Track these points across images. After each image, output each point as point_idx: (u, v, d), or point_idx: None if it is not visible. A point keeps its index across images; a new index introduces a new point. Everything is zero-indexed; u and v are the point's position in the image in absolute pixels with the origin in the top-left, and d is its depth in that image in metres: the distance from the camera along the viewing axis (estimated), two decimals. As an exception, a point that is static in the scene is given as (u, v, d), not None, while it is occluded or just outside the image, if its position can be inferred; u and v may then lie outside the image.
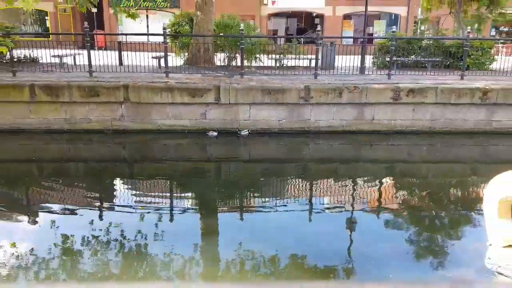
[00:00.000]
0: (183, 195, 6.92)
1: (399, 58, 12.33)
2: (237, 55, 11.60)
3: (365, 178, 7.71)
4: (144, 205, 6.14)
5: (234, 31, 12.22)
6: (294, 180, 7.51)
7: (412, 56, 12.85)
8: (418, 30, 20.90)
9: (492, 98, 9.64)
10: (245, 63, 11.04)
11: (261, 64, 12.47)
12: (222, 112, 9.53)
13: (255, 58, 12.27)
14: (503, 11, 15.41)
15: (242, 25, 11.36)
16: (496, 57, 13.65)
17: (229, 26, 12.72)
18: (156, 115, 9.51)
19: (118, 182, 7.41)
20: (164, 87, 9.32)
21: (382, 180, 7.77)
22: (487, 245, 3.30)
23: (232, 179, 7.61)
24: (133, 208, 6.00)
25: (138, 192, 6.84)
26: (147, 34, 16.35)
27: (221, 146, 9.32)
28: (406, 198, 6.80)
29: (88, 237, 4.94)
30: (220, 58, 12.88)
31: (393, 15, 28.67)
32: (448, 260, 4.59)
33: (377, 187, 7.40)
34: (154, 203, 6.29)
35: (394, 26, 26.11)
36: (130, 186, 7.18)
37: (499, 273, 3.18)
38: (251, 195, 6.75)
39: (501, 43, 21.57)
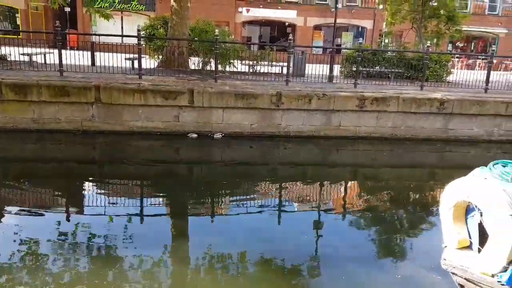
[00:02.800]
0: (153, 197, 6.91)
1: (365, 69, 12.96)
2: (212, 59, 11.80)
3: (331, 181, 8.12)
4: (113, 208, 6.07)
5: (209, 36, 12.44)
6: (264, 183, 7.78)
7: (376, 67, 13.53)
8: (383, 43, 21.91)
9: (449, 108, 10.37)
10: (219, 67, 11.28)
11: (235, 69, 12.75)
12: (196, 115, 9.71)
13: (229, 63, 12.54)
14: (459, 28, 16.48)
15: (217, 30, 11.60)
16: (452, 70, 14.62)
17: (204, 31, 12.93)
18: (128, 116, 9.53)
19: (86, 184, 7.27)
20: (137, 88, 9.38)
21: (347, 183, 8.21)
22: (442, 247, 3.57)
23: (203, 181, 7.71)
24: (102, 211, 5.93)
25: (107, 195, 6.72)
26: (121, 36, 16.22)
27: (194, 148, 9.48)
28: (369, 201, 7.23)
29: (53, 241, 4.78)
30: (194, 62, 13.03)
31: (360, 28, 29.88)
32: (406, 260, 4.97)
33: (342, 190, 7.82)
34: (124, 206, 6.26)
35: (361, 38, 27.20)
36: (99, 189, 7.06)
37: (453, 273, 3.41)
38: (222, 197, 6.91)
39: (457, 57, 23.00)
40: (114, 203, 6.36)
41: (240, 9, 28.22)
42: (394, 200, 7.22)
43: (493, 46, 30.60)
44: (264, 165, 8.76)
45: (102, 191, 6.93)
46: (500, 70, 22.99)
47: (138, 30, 10.25)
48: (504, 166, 3.12)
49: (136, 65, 11.16)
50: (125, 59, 11.74)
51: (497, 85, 12.02)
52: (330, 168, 9.08)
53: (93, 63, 12.38)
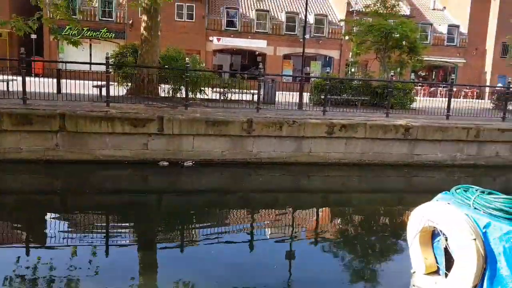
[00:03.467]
0: (120, 229, 6.64)
1: (333, 96, 13.31)
2: (182, 87, 11.81)
3: (303, 208, 8.12)
4: (77, 240, 5.80)
5: (179, 64, 12.49)
6: (235, 211, 7.68)
7: (344, 95, 13.94)
8: (349, 72, 22.71)
9: (413, 134, 10.74)
10: (190, 95, 11.29)
11: (206, 97, 12.78)
12: (165, 143, 9.57)
13: (200, 90, 12.59)
14: (420, 58, 17.37)
15: (187, 58, 11.67)
16: (415, 97, 15.26)
17: (175, 59, 12.99)
18: (94, 145, 9.26)
19: (48, 216, 6.92)
20: (104, 116, 9.19)
21: (318, 210, 8.23)
22: (411, 272, 3.57)
23: (173, 211, 7.51)
24: (65, 243, 5.67)
25: (70, 227, 6.41)
26: (90, 63, 16.03)
27: (164, 177, 9.28)
28: (340, 227, 7.27)
29: (12, 277, 4.53)
30: (164, 90, 12.99)
31: (328, 57, 30.94)
32: (376, 286, 4.95)
33: (314, 216, 7.82)
34: (88, 238, 5.96)
35: (328, 68, 28.12)
36: (62, 220, 6.73)
37: None
38: (192, 227, 6.72)
39: (419, 85, 24.10)
40: (78, 236, 6.06)
41: (211, 38, 28.69)
42: (364, 225, 7.28)
43: (453, 75, 32.37)
44: (236, 193, 8.68)
45: (66, 223, 6.61)
46: (460, 98, 24.19)
47: (107, 58, 10.16)
48: (465, 191, 3.22)
49: (104, 92, 10.99)
50: (93, 86, 11.55)
51: (457, 112, 12.60)
52: (301, 194, 9.10)
53: (58, 91, 12.09)
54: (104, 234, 6.25)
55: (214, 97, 12.70)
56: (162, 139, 9.52)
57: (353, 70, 21.64)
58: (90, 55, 27.17)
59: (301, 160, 10.29)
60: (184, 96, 10.94)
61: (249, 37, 29.18)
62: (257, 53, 30.31)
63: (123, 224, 6.84)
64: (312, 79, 18.25)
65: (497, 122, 12.00)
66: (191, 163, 9.56)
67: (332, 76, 15.92)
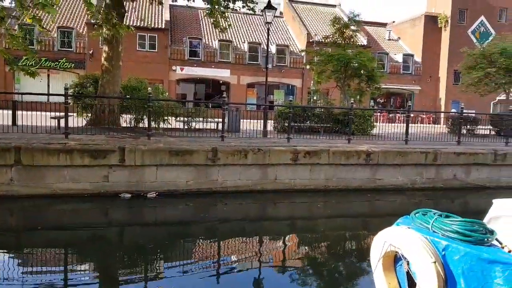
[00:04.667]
0: (78, 266, 6.29)
1: (296, 124, 13.56)
2: (145, 117, 11.64)
3: (270, 236, 8.05)
4: (31, 282, 5.42)
5: (141, 94, 12.36)
6: (201, 242, 7.49)
7: (307, 122, 14.23)
8: (312, 99, 23.32)
9: (375, 159, 11.04)
10: (153, 125, 11.12)
11: (170, 126, 12.64)
12: (127, 174, 9.30)
13: (163, 120, 12.45)
14: (378, 86, 18.14)
15: (150, 88, 11.58)
16: (375, 124, 15.82)
17: (137, 88, 12.85)
18: (51, 178, 8.84)
19: (1, 256, 6.43)
20: (62, 148, 8.84)
21: (285, 237, 8.17)
22: None
23: (135, 245, 7.21)
24: (19, 284, 5.31)
25: (24, 266, 6.02)
26: (47, 94, 15.53)
27: (125, 209, 8.95)
28: (306, 253, 7.22)
29: None
30: (126, 120, 12.74)
31: (290, 86, 31.74)
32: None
33: (280, 243, 7.75)
34: (43, 277, 5.61)
35: (291, 96, 28.81)
36: (15, 259, 6.32)
37: None
38: (155, 261, 6.45)
39: (379, 112, 25.08)
40: (32, 276, 5.65)
41: (174, 68, 28.76)
42: (330, 251, 7.28)
43: (410, 101, 33.96)
44: (201, 223, 8.47)
45: (19, 262, 6.18)
46: (417, 123, 25.34)
47: (66, 88, 9.90)
48: (424, 215, 3.29)
49: (62, 124, 10.62)
50: (51, 118, 11.16)
51: (416, 136, 13.13)
52: (268, 222, 9.03)
53: (14, 123, 11.58)
54: (62, 273, 5.88)
55: (178, 127, 12.59)
56: (124, 170, 9.25)
57: (315, 98, 22.25)
58: (48, 86, 26.43)
59: (267, 187, 10.28)
60: (146, 126, 10.76)
61: (213, 66, 29.54)
62: (221, 82, 30.65)
63: (82, 262, 6.46)
64: (276, 107, 18.58)
65: (452, 146, 12.60)
66: (154, 195, 9.30)
67: (295, 104, 16.27)
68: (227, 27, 13.99)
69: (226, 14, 13.77)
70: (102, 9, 12.17)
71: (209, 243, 7.45)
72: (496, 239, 3.03)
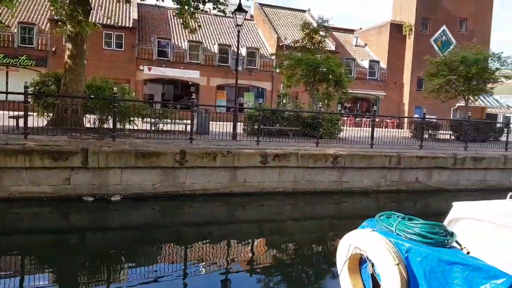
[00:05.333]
0: (35, 273, 6.00)
1: (266, 127, 13.59)
2: (110, 117, 11.29)
3: (238, 239, 7.99)
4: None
5: (107, 93, 11.99)
6: (168, 247, 7.33)
7: (276, 125, 14.31)
8: (281, 103, 23.51)
9: (341, 162, 11.24)
10: (118, 126, 10.82)
11: (136, 128, 12.34)
12: (90, 177, 8.98)
13: (130, 121, 12.13)
14: (345, 90, 18.53)
15: (115, 88, 11.26)
16: (342, 128, 16.12)
17: (102, 88, 12.46)
18: (8, 181, 8.41)
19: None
20: (20, 149, 8.43)
21: (253, 240, 8.15)
22: None
23: (98, 250, 6.98)
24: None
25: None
26: (6, 92, 14.75)
27: (88, 213, 8.63)
28: (273, 256, 7.24)
29: None
30: (90, 120, 12.32)
31: (260, 89, 31.83)
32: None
33: (248, 247, 7.72)
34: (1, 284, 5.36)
35: (261, 99, 28.87)
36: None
37: None
38: (119, 267, 6.26)
39: (346, 116, 25.62)
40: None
41: (141, 67, 28.15)
42: (297, 254, 7.32)
43: (375, 106, 34.91)
44: (168, 227, 8.31)
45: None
46: (382, 128, 26.07)
47: (25, 86, 9.45)
48: (388, 218, 3.35)
49: (21, 123, 10.12)
50: (9, 117, 10.62)
51: (380, 140, 13.49)
52: (236, 225, 8.97)
53: (-32, 122, 10.92)
54: (18, 281, 5.57)
55: (145, 128, 12.30)
56: (87, 173, 8.93)
57: (284, 101, 22.45)
58: (7, 83, 25.18)
59: (236, 190, 10.23)
60: (111, 127, 10.45)
61: (182, 67, 29.13)
62: (190, 83, 30.28)
63: (39, 269, 6.16)
64: (246, 109, 18.58)
65: (415, 150, 13.03)
66: (119, 198, 9.03)
67: (265, 107, 16.32)
68: (197, 28, 13.84)
69: (196, 15, 13.63)
70: (67, 5, 11.73)
71: (174, 248, 7.31)
72: (456, 241, 3.13)
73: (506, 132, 15.99)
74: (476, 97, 23.34)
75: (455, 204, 3.89)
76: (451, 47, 32.44)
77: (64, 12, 11.79)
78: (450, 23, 35.14)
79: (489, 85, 23.97)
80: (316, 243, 8.16)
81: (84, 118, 12.30)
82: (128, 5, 23.95)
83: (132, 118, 12.12)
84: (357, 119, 27.47)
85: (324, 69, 16.86)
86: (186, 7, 12.81)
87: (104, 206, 8.79)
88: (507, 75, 22.10)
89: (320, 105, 13.48)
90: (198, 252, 7.16)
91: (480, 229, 3.59)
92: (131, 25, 27.82)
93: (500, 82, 23.32)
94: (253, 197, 10.28)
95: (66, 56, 12.28)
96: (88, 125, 12.30)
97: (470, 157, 12.89)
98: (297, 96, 21.40)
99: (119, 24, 27.26)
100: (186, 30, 13.86)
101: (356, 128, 18.25)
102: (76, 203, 8.66)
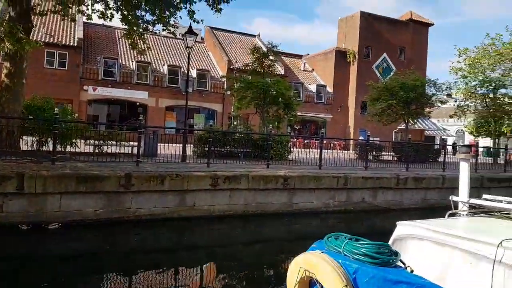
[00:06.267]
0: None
1: (217, 148, 13.49)
2: (50, 139, 10.62)
3: (186, 265, 7.70)
4: None
5: (47, 114, 11.32)
6: (108, 276, 6.86)
7: (227, 147, 14.26)
8: (232, 124, 23.59)
9: (291, 183, 11.35)
10: (59, 148, 10.20)
11: (78, 150, 11.71)
12: (26, 203, 8.31)
13: (71, 143, 11.49)
14: (294, 113, 19.01)
15: (57, 108, 10.67)
16: (292, 149, 16.41)
17: (42, 109, 11.75)
18: None
19: None
20: None
21: (202, 266, 7.88)
22: None
23: (31, 282, 6.40)
24: None
25: None
26: None
27: (23, 243, 7.93)
28: (223, 282, 7.03)
29: None
30: (28, 142, 11.50)
31: (211, 110, 31.80)
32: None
33: (196, 273, 7.46)
34: None
35: (212, 120, 28.79)
36: None
37: None
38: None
39: (295, 138, 26.18)
40: None
41: (85, 87, 27.10)
42: (248, 279, 7.17)
43: (323, 129, 36.09)
44: (110, 256, 7.82)
45: None
46: (329, 149, 26.92)
47: (-47, 106, 8.67)
48: (336, 239, 3.36)
49: None
50: None
51: (328, 162, 13.85)
52: (185, 251, 8.66)
53: None
54: None
55: (88, 150, 11.71)
56: (22, 199, 8.26)
57: (235, 123, 22.55)
58: None
59: (185, 214, 9.93)
60: (51, 149, 9.82)
61: (129, 87, 28.43)
62: (138, 104, 29.53)
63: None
64: (196, 131, 18.40)
65: (361, 171, 13.50)
66: (57, 226, 8.41)
67: (215, 129, 16.26)
68: (146, 50, 13.63)
69: (145, 36, 13.43)
70: (6, 21, 11.06)
71: (117, 278, 6.87)
72: (400, 260, 3.20)
73: (443, 153, 17.11)
74: (415, 121, 24.92)
75: (399, 224, 4.00)
76: (392, 73, 34.60)
77: (2, 29, 11.10)
78: (390, 51, 37.61)
79: (427, 109, 25.79)
80: (267, 266, 8.05)
81: (20, 140, 11.47)
82: (73, 23, 23.17)
83: (74, 140, 11.50)
84: (306, 141, 28.14)
85: (274, 92, 17.22)
86: (135, 28, 12.60)
87: (41, 235, 8.13)
88: (442, 100, 23.91)
89: (270, 127, 13.66)
90: (143, 281, 6.78)
91: (422, 247, 3.71)
92: (75, 44, 26.86)
93: (437, 107, 25.17)
94: (203, 221, 10.03)
95: (3, 75, 11.51)
96: (25, 147, 11.48)
97: (412, 177, 13.59)
98: (248, 118, 21.55)
99: (63, 42, 26.24)
100: (135, 51, 13.59)
101: (305, 150, 18.64)
102: (9, 232, 7.93)
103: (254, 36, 39.72)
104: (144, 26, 12.84)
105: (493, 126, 25.20)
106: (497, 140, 27.13)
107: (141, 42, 13.40)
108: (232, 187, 10.52)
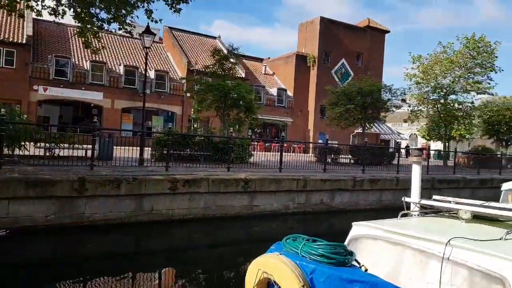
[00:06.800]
0: None
1: (176, 152, 13.25)
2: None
3: (144, 270, 7.48)
4: None
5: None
6: (61, 286, 6.54)
7: (187, 150, 14.05)
8: (192, 127, 23.30)
9: (252, 186, 11.37)
10: (6, 151, 9.61)
11: (28, 153, 11.08)
12: (-32, 210, 7.76)
13: (20, 146, 10.86)
14: (255, 116, 19.10)
15: (3, 109, 10.04)
16: (253, 152, 16.46)
17: (-14, 109, 11.02)
18: None
19: None
20: None
21: (160, 271, 7.70)
22: None
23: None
24: None
25: None
26: None
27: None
28: (183, 286, 6.91)
29: None
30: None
31: (170, 112, 31.24)
32: None
33: (156, 278, 7.27)
34: None
35: (171, 123, 28.32)
36: None
37: None
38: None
39: (256, 141, 26.31)
40: None
41: (35, 87, 25.76)
42: (207, 282, 7.09)
43: (283, 132, 36.54)
44: (61, 263, 7.44)
45: None
46: (290, 152, 27.28)
47: None
48: (294, 240, 3.39)
49: None
50: None
51: (288, 165, 14.01)
52: (142, 256, 8.41)
53: None
54: None
55: (38, 154, 11.11)
56: (-37, 205, 7.69)
57: (195, 125, 22.30)
58: None
59: (143, 219, 9.67)
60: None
61: (83, 88, 27.32)
62: (92, 105, 28.43)
63: None
64: (154, 134, 17.98)
65: (320, 173, 13.77)
66: (4, 233, 7.90)
67: (174, 132, 15.98)
68: (100, 49, 13.14)
69: (99, 34, 12.95)
70: None
71: (68, 286, 6.54)
72: (355, 260, 3.27)
73: (397, 156, 17.83)
74: (371, 125, 25.83)
75: (354, 224, 4.10)
76: (350, 78, 35.71)
77: None
78: (348, 56, 38.78)
79: (382, 114, 26.84)
80: (226, 270, 7.99)
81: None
82: (21, 19, 22.00)
83: (23, 143, 10.87)
84: (266, 144, 28.37)
85: (235, 95, 17.21)
86: (89, 26, 12.12)
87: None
88: (397, 105, 24.97)
89: (231, 130, 13.61)
90: (97, 289, 6.51)
91: (376, 247, 3.82)
92: (24, 41, 25.45)
93: (392, 111, 26.25)
94: (162, 225, 9.81)
95: None
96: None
97: (368, 179, 14.04)
98: (209, 120, 21.38)
99: (10, 39, 24.82)
100: (89, 50, 13.08)
101: (266, 153, 18.80)
102: None
103: (214, 37, 39.56)
104: (99, 24, 12.37)
105: (443, 130, 26.61)
106: (447, 143, 28.72)
107: (96, 40, 12.92)
108: (192, 190, 10.38)
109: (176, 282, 7.19)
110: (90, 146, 10.62)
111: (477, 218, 4.05)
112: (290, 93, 37.67)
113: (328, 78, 36.41)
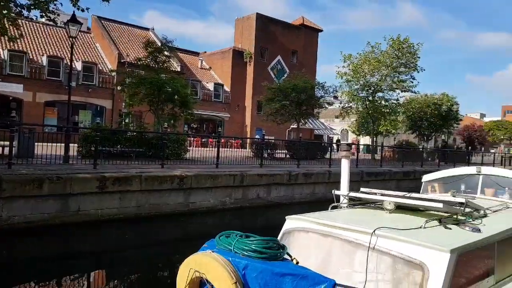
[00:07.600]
0: None
1: (105, 148, 12.56)
2: None
3: (71, 274, 7.01)
4: None
5: None
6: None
7: (118, 146, 13.37)
8: (123, 122, 22.27)
9: (188, 183, 11.13)
10: None
11: None
12: None
13: None
14: (191, 111, 18.72)
15: None
16: (189, 148, 16.14)
17: None
18: None
19: None
20: None
21: (90, 274, 7.27)
22: None
23: None
24: None
25: None
26: None
27: None
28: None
29: None
30: None
31: (99, 107, 29.54)
32: None
33: (84, 282, 6.84)
34: None
35: (99, 118, 26.81)
36: None
37: None
38: None
39: (192, 137, 25.92)
40: None
41: None
42: (138, 283, 6.80)
43: (220, 127, 36.39)
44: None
45: None
46: (227, 148, 27.25)
47: None
48: (227, 237, 3.34)
49: None
50: None
51: (225, 160, 13.95)
52: (68, 259, 7.85)
53: None
54: None
55: None
56: None
57: (127, 121, 21.34)
58: None
59: (68, 220, 9.03)
60: None
61: (0, 79, 24.89)
62: (11, 98, 25.94)
63: None
64: (81, 129, 16.88)
65: (256, 168, 13.88)
66: None
67: (104, 127, 15.13)
68: (18, 37, 12.00)
69: (18, 21, 11.81)
70: None
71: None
72: (287, 253, 3.30)
73: (329, 150, 18.57)
74: (306, 120, 26.65)
75: (287, 218, 4.15)
76: (285, 75, 36.47)
77: None
78: (284, 53, 39.53)
79: (316, 110, 27.80)
80: (159, 270, 7.75)
81: None
82: None
83: None
84: (203, 139, 28.04)
85: (170, 89, 16.69)
86: (5, 12, 10.98)
87: None
88: (329, 102, 26.00)
89: (165, 126, 13.20)
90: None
91: (308, 239, 3.90)
92: None
93: (324, 108, 27.29)
94: (89, 226, 9.24)
95: None
96: None
97: (302, 173, 14.44)
98: (141, 115, 20.57)
99: None
100: (5, 38, 11.89)
101: (203, 149, 18.54)
102: None
103: (147, 29, 38.11)
104: (17, 10, 11.27)
105: (371, 125, 28.24)
106: (375, 138, 30.54)
107: (13, 28, 11.78)
108: (123, 189, 9.90)
109: (106, 285, 6.82)
110: (7, 143, 9.68)
111: (400, 208, 4.30)
112: (227, 88, 37.58)
113: (265, 74, 36.86)
